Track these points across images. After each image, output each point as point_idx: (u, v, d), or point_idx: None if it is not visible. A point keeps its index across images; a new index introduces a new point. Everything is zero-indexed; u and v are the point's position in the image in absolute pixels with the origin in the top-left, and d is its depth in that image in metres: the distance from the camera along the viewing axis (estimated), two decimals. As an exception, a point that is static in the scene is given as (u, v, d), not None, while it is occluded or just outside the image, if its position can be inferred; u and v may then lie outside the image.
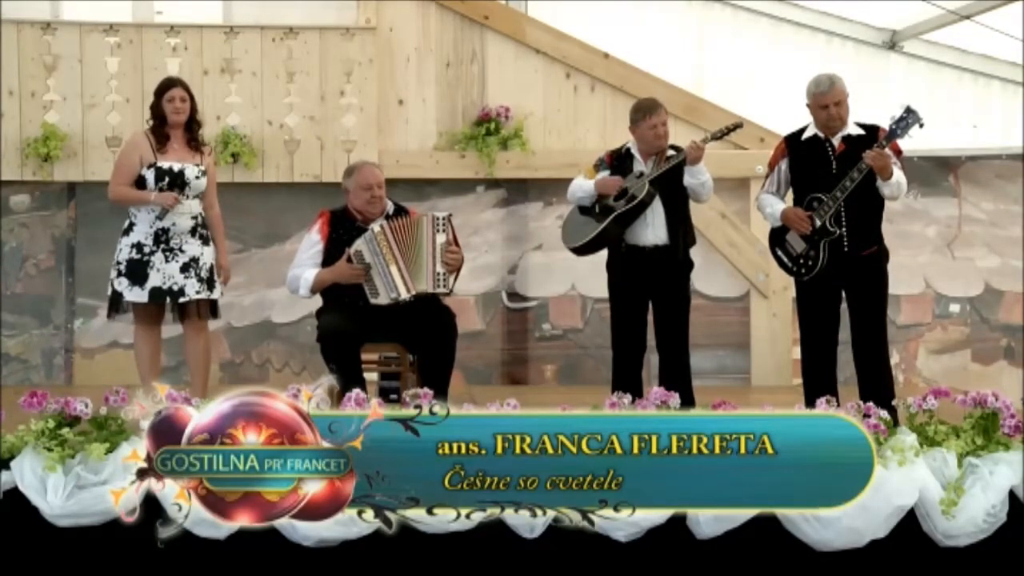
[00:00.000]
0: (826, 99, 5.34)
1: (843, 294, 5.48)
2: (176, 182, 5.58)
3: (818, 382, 5.37)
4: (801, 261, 5.43)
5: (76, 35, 7.47)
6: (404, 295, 5.38)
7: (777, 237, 5.55)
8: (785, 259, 5.52)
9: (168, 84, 5.74)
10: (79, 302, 7.63)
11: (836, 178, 5.31)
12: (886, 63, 8.19)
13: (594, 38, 7.91)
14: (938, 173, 7.84)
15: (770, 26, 8.45)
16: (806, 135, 5.47)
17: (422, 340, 5.45)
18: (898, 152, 5.39)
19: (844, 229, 5.34)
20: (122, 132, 7.36)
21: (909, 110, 5.24)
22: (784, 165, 5.54)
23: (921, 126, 5.23)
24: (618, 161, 5.80)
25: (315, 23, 7.67)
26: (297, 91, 7.62)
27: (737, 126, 5.98)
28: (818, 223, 5.33)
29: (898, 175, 5.30)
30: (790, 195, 5.60)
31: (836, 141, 5.38)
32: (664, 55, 8.12)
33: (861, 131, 5.40)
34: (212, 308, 5.77)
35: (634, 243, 5.68)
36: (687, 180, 5.64)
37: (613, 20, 8.21)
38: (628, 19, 8.25)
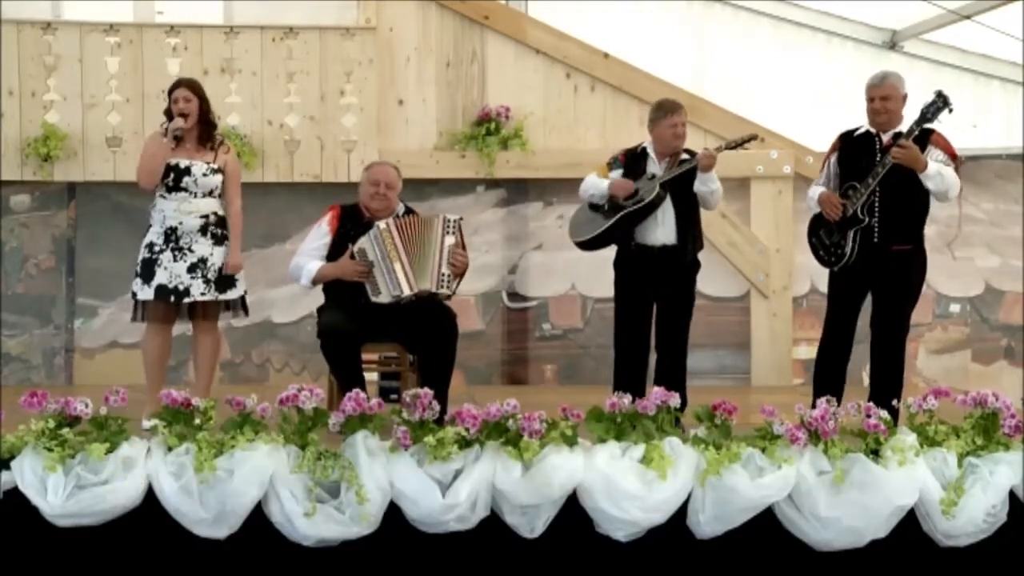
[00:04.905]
0: (873, 92, 5.41)
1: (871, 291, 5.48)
2: (180, 178, 5.57)
3: (826, 376, 5.40)
4: (832, 250, 5.45)
5: (76, 35, 7.46)
6: (407, 292, 5.34)
7: (813, 226, 5.59)
8: (819, 247, 5.55)
9: (174, 85, 5.73)
10: (79, 302, 7.63)
11: None
12: (886, 63, 8.16)
13: (594, 38, 7.90)
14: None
15: (770, 26, 8.46)
16: (859, 132, 5.52)
17: (422, 340, 5.44)
18: (953, 156, 5.37)
19: (876, 220, 5.35)
20: (122, 132, 7.37)
21: (939, 94, 5.31)
22: (834, 159, 5.59)
23: (950, 111, 5.30)
24: (632, 160, 5.81)
25: (315, 23, 7.66)
26: (297, 91, 7.61)
27: (753, 138, 5.95)
28: (850, 210, 5.34)
29: (936, 166, 5.26)
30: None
31: (886, 137, 5.41)
32: (664, 55, 8.12)
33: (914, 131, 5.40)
34: (232, 306, 5.69)
35: (643, 242, 5.70)
36: (697, 187, 5.66)
37: (613, 20, 8.21)
38: (628, 19, 8.25)
